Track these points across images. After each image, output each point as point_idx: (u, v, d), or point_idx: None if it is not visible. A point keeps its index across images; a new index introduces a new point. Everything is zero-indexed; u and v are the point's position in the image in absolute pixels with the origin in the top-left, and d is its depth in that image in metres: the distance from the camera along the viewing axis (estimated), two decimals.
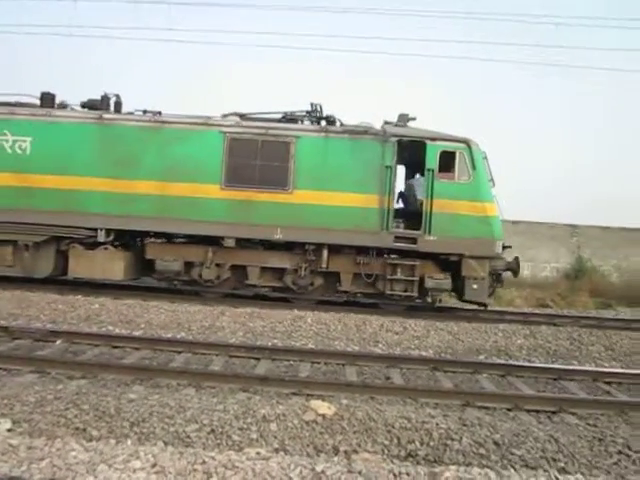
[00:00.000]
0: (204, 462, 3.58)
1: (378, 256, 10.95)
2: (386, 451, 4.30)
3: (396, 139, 10.73)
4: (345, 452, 4.25)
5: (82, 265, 10.91)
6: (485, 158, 10.85)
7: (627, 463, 4.25)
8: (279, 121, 11.26)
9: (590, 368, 7.55)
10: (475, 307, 11.14)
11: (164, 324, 8.67)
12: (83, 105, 11.42)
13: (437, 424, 4.54)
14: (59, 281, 11.11)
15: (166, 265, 10.92)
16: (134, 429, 4.33)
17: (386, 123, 11.32)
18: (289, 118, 11.34)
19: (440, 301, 11.45)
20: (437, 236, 10.63)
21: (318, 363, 6.93)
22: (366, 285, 11.04)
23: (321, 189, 10.72)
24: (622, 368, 7.81)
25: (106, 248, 10.96)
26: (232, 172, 10.73)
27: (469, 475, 3.41)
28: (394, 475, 3.46)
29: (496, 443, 4.33)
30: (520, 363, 7.58)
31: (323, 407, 4.74)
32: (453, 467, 3.57)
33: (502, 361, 7.73)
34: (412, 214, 11.02)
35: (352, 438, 4.41)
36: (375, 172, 10.72)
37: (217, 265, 11.02)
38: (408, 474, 3.45)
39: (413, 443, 4.36)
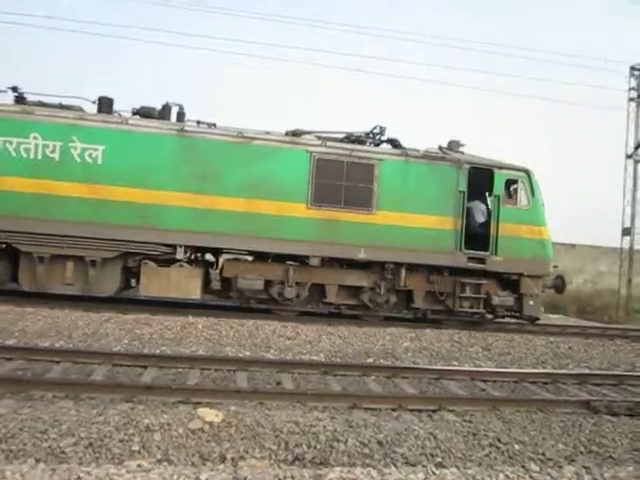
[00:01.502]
0: (79, 478, 3.38)
1: (445, 275, 11.68)
2: (274, 456, 4.30)
3: (469, 166, 11.63)
4: (232, 459, 4.19)
5: (155, 283, 10.45)
6: (538, 185, 11.97)
7: (497, 454, 4.57)
8: (353, 142, 11.52)
9: (468, 368, 8.03)
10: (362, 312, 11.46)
11: (41, 332, 8.08)
12: (135, 112, 10.87)
13: (324, 427, 4.62)
14: None
15: (249, 284, 10.83)
16: (1, 446, 3.98)
17: (440, 148, 12.13)
18: (353, 139, 11.64)
19: (504, 317, 12.52)
20: (503, 257, 11.66)
21: (208, 370, 6.77)
22: (436, 302, 11.77)
23: (402, 211, 11.23)
24: (496, 367, 8.38)
25: (181, 265, 10.58)
26: (318, 192, 10.91)
27: (352, 475, 3.49)
28: (279, 479, 3.47)
29: (380, 442, 4.48)
30: (405, 365, 7.90)
31: (210, 415, 4.65)
32: (337, 468, 3.65)
33: (389, 363, 8.03)
34: (471, 236, 11.72)
35: (240, 445, 4.36)
36: (451, 196, 11.47)
37: (296, 283, 11.09)
38: (293, 477, 3.48)
39: (300, 447, 4.39)
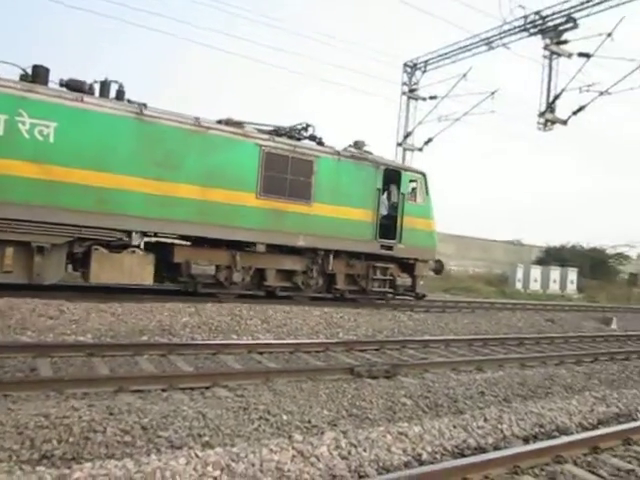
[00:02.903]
0: None
1: (361, 260, 13.56)
2: (15, 457, 3.70)
3: (384, 167, 13.66)
4: None
5: (107, 270, 10.06)
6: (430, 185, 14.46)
7: (266, 427, 4.59)
8: (280, 135, 12.28)
9: (247, 341, 8.10)
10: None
11: None
12: (63, 84, 9.91)
13: (80, 417, 4.14)
14: None
15: (203, 269, 11.19)
16: None
17: (350, 146, 13.86)
18: (282, 133, 12.43)
19: (403, 294, 14.91)
20: (405, 245, 13.91)
21: None
22: (353, 283, 13.74)
23: (334, 204, 12.67)
24: (274, 339, 8.62)
25: (133, 251, 10.37)
26: (267, 183, 11.68)
27: (104, 470, 3.14)
28: None
29: (144, 428, 4.16)
30: (182, 341, 7.65)
31: None
32: (88, 464, 3.25)
33: (165, 340, 7.68)
34: (382, 227, 13.61)
35: None
36: (371, 192, 13.34)
37: (242, 268, 11.79)
38: None
39: (50, 442, 3.86)
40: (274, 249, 12.25)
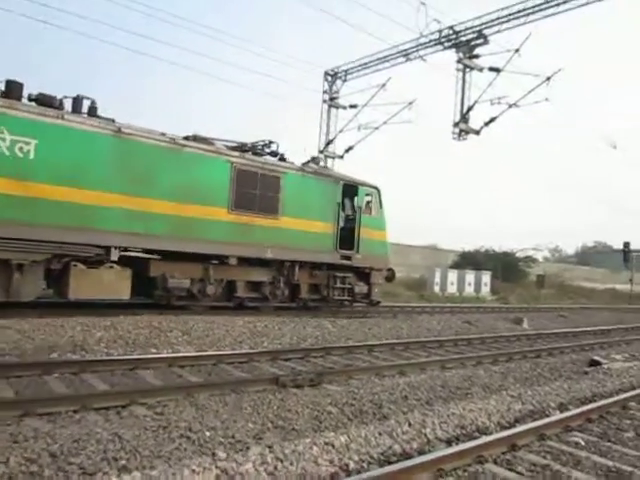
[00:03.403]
0: None
1: (323, 270, 14.29)
2: None
3: (343, 182, 14.59)
4: None
5: (86, 285, 10.07)
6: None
7: (187, 445, 4.38)
8: (245, 151, 12.68)
9: (166, 355, 7.76)
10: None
11: None
12: (32, 99, 9.74)
13: None
14: None
15: (179, 283, 11.54)
16: None
17: (308, 162, 14.66)
18: (247, 149, 12.82)
19: (359, 302, 15.62)
20: (362, 255, 14.72)
21: None
22: (314, 292, 14.45)
23: (299, 217, 13.29)
24: (195, 351, 8.32)
25: (111, 267, 10.44)
26: (238, 198, 12.10)
27: None
28: None
29: (53, 455, 3.85)
30: (96, 357, 7.20)
31: None
32: None
33: (77, 357, 7.21)
34: (341, 238, 14.42)
35: None
36: (332, 205, 14.17)
37: (215, 280, 12.22)
38: None
39: None
40: (244, 261, 12.64)
